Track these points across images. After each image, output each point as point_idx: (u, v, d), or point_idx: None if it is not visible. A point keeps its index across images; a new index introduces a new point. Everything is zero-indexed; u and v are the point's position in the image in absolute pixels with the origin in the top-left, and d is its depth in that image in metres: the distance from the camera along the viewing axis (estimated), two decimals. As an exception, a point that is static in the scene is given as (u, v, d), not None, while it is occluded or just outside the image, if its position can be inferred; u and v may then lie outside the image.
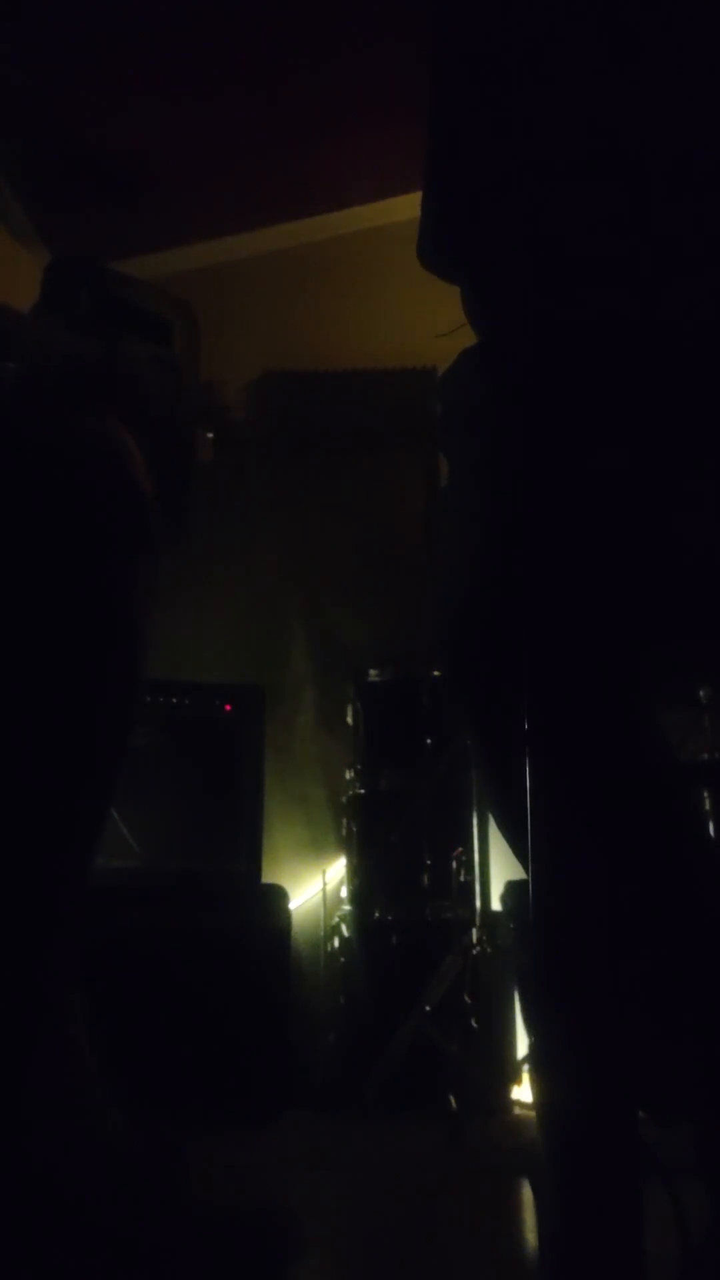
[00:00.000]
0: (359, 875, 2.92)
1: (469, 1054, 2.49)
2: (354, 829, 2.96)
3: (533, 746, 1.00)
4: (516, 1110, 2.49)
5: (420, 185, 1.17)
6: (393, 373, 3.79)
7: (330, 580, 3.57)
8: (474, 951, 2.58)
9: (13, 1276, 0.89)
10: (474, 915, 2.66)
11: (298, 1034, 2.66)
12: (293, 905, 2.70)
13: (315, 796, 3.38)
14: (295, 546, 3.60)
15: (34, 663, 0.95)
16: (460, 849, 2.83)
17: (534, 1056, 1.10)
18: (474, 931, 2.61)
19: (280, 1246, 1.15)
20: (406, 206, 3.46)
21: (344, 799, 3.09)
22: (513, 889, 2.18)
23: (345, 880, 3.01)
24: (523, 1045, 2.59)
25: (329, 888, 3.12)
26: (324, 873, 3.16)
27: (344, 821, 3.06)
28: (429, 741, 2.92)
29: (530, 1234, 1.51)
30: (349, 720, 3.11)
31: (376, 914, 2.84)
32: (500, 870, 2.74)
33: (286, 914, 2.63)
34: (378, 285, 3.70)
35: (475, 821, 2.79)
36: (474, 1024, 2.52)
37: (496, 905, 2.68)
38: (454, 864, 2.83)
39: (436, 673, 2.94)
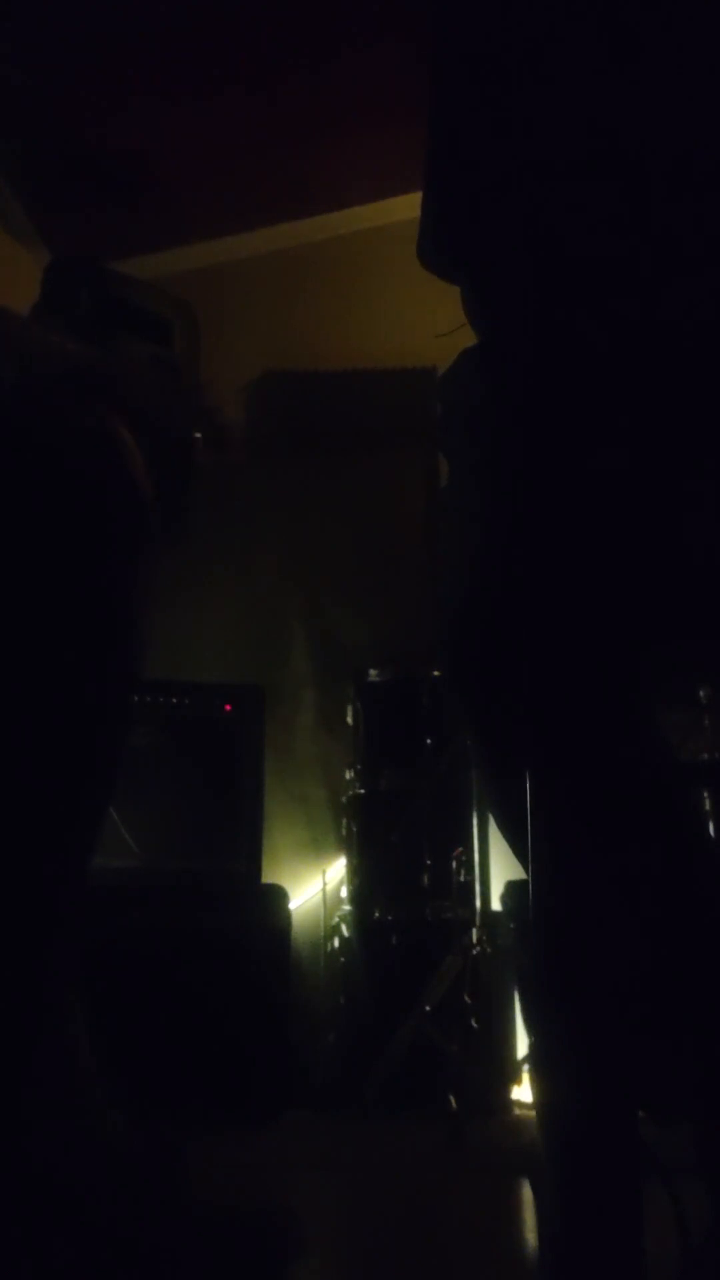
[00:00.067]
0: (359, 875, 2.92)
1: (469, 1054, 2.49)
2: (354, 829, 2.96)
3: (533, 746, 1.00)
4: (516, 1110, 2.49)
5: (420, 185, 1.17)
6: (393, 373, 3.79)
7: (330, 580, 3.57)
8: (474, 951, 2.58)
9: (13, 1276, 0.89)
10: (474, 915, 2.66)
11: (298, 1034, 2.66)
12: (293, 905, 2.70)
13: (315, 796, 3.38)
14: (295, 546, 3.60)
15: (34, 662, 0.95)
16: (460, 849, 2.83)
17: (534, 1056, 1.10)
18: (474, 931, 2.61)
19: (280, 1246, 1.15)
20: (406, 206, 3.46)
21: (344, 799, 3.09)
22: (513, 889, 2.18)
23: (345, 880, 3.01)
24: (523, 1045, 2.59)
25: (329, 888, 3.12)
26: (324, 873, 3.16)
27: (344, 821, 3.06)
28: (429, 741, 2.92)
29: (530, 1234, 1.51)
30: (349, 720, 3.11)
31: (376, 914, 2.84)
32: (500, 870, 2.74)
33: (286, 914, 2.63)
34: (378, 285, 3.70)
35: (475, 821, 2.79)
36: (474, 1024, 2.52)
37: (496, 905, 2.68)
38: (454, 864, 2.83)
39: (436, 673, 2.94)
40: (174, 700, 2.76)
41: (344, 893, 3.00)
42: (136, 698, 2.59)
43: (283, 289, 3.86)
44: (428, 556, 3.50)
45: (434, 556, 3.49)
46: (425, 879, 2.84)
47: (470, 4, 1.14)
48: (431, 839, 2.85)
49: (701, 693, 2.38)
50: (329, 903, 3.08)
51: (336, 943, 2.90)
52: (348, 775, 3.09)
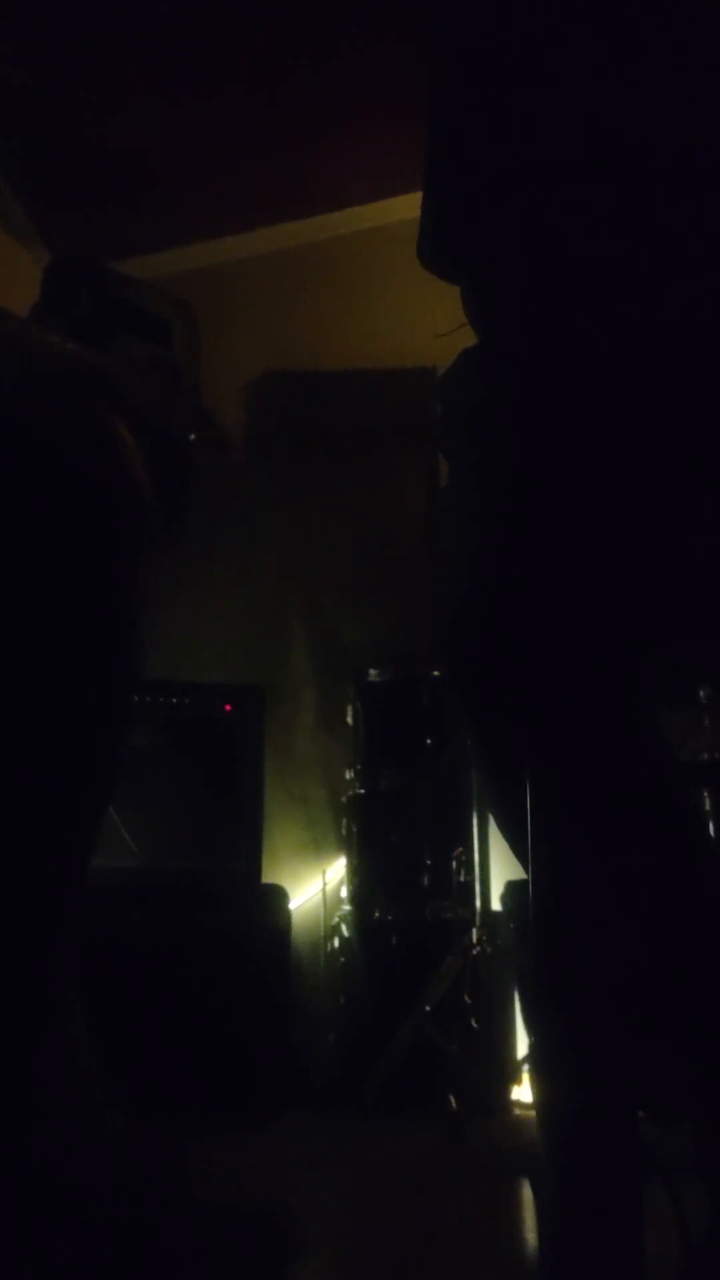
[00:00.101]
0: (359, 875, 2.92)
1: (469, 1054, 2.49)
2: (354, 829, 2.96)
3: (533, 746, 1.00)
4: (516, 1110, 2.49)
5: (420, 185, 1.17)
6: (393, 373, 3.79)
7: (330, 580, 3.57)
8: (474, 951, 2.58)
9: (13, 1276, 0.89)
10: (474, 915, 2.66)
11: (298, 1034, 2.66)
12: (293, 905, 2.70)
13: (315, 796, 3.38)
14: (295, 546, 3.60)
15: (34, 662, 0.95)
16: (460, 849, 2.83)
17: (534, 1056, 1.10)
18: (474, 931, 2.61)
19: (280, 1246, 1.15)
20: (406, 206, 3.46)
21: (344, 799, 3.09)
22: (513, 889, 2.18)
23: (345, 880, 3.01)
24: (523, 1045, 2.59)
25: (329, 888, 3.12)
26: (324, 873, 3.16)
27: (344, 821, 3.06)
28: (429, 741, 2.92)
29: (530, 1234, 1.51)
30: (349, 720, 3.11)
31: (376, 914, 2.84)
32: (500, 870, 2.74)
33: (286, 914, 2.63)
34: (378, 285, 3.70)
35: (475, 821, 2.79)
36: (474, 1024, 2.52)
37: (496, 905, 2.68)
38: (454, 864, 2.83)
39: (436, 673, 2.94)
40: (174, 700, 2.76)
41: (344, 893, 3.00)
42: (136, 698, 2.60)
43: (283, 289, 3.86)
44: (428, 556, 3.50)
45: (434, 556, 3.49)
46: (425, 879, 2.84)
47: (470, 4, 1.14)
48: (431, 839, 2.85)
49: (701, 693, 2.38)
50: (329, 903, 3.08)
51: (336, 943, 2.90)
52: (348, 775, 3.09)
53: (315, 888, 3.14)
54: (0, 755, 0.93)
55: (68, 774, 0.97)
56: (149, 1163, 1.03)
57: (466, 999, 2.54)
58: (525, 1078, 2.46)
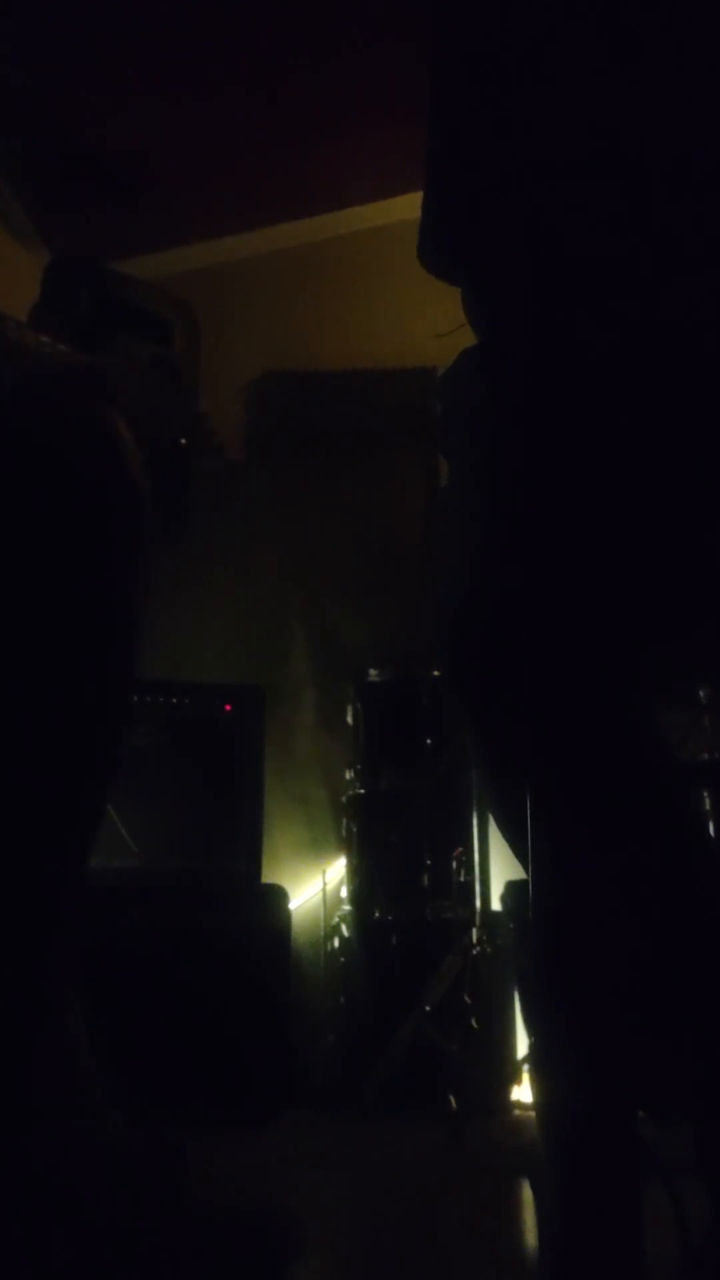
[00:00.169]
0: (359, 875, 2.92)
1: (469, 1054, 2.49)
2: (354, 829, 2.96)
3: (533, 746, 1.00)
4: (516, 1110, 2.48)
5: (420, 185, 1.17)
6: (393, 373, 3.79)
7: (330, 580, 3.57)
8: (474, 951, 2.58)
9: (13, 1276, 0.89)
10: (474, 915, 2.66)
11: (298, 1034, 2.66)
12: (293, 905, 2.70)
13: (315, 796, 3.38)
14: (295, 546, 3.60)
15: (33, 662, 0.95)
16: (460, 849, 2.83)
17: (534, 1056, 1.10)
18: (474, 931, 2.61)
19: (280, 1246, 1.15)
20: (406, 206, 3.45)
21: (344, 799, 3.09)
22: (513, 889, 2.18)
23: (345, 880, 3.00)
24: (523, 1045, 2.59)
25: (329, 888, 3.12)
26: (324, 873, 3.16)
27: (344, 821, 3.06)
28: (429, 741, 2.92)
29: (530, 1234, 1.51)
30: (349, 720, 3.11)
31: (376, 914, 2.84)
32: (500, 870, 2.74)
33: (286, 914, 2.63)
34: (378, 285, 3.70)
35: (475, 821, 2.79)
36: (474, 1024, 2.52)
37: (496, 905, 2.68)
38: (454, 864, 2.83)
39: (436, 673, 2.94)
40: (174, 700, 2.76)
41: (344, 893, 3.00)
42: (136, 698, 2.60)
43: (283, 289, 3.86)
44: (428, 556, 3.50)
45: (434, 556, 3.49)
46: (425, 879, 2.84)
47: (470, 4, 1.14)
48: (431, 839, 2.85)
49: (701, 693, 2.38)
50: (329, 903, 3.08)
51: (336, 943, 2.90)
52: (348, 775, 3.09)
53: (315, 888, 3.14)
54: (0, 755, 0.93)
55: (67, 774, 0.97)
56: (149, 1163, 1.03)
57: (466, 999, 2.54)
58: (525, 1078, 2.46)
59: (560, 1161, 0.94)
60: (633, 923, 1.00)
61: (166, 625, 2.91)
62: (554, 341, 1.03)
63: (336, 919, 2.95)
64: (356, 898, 2.90)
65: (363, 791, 2.98)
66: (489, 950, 2.60)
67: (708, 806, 2.28)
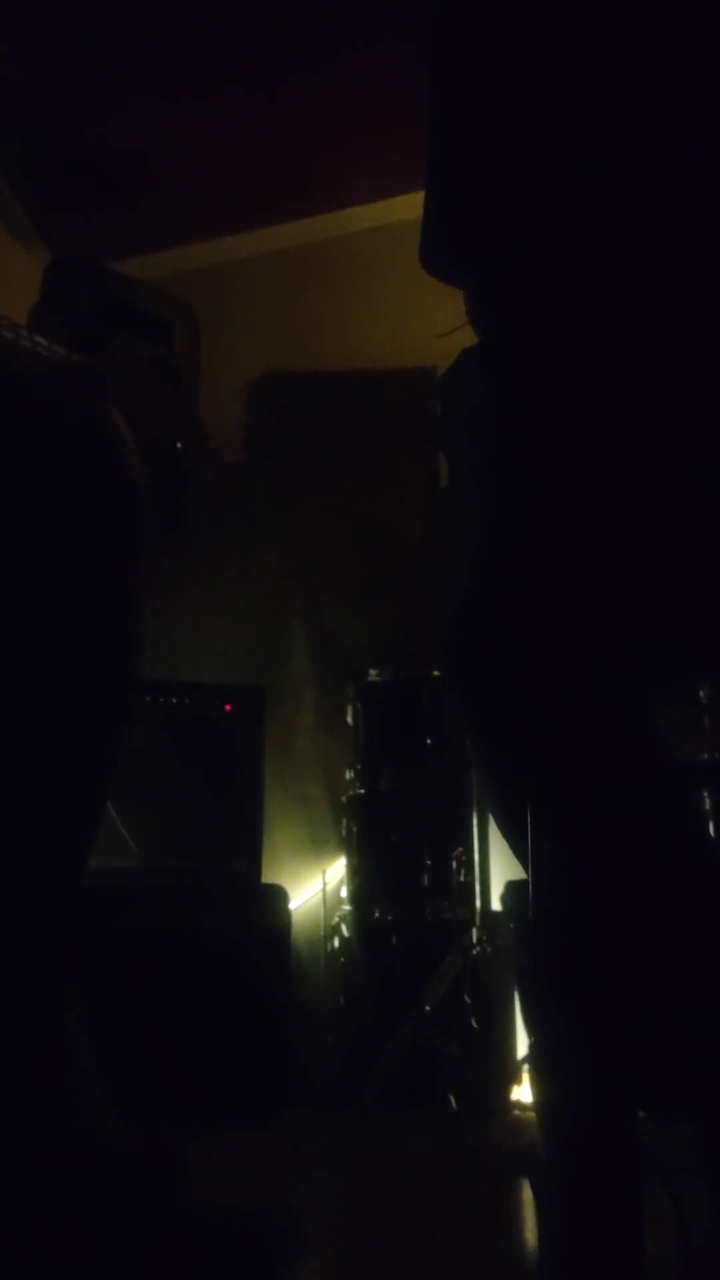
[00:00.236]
0: (359, 875, 2.92)
1: (469, 1054, 2.49)
2: (354, 829, 2.96)
3: (533, 746, 1.00)
4: (516, 1110, 2.49)
5: (420, 185, 1.17)
6: (393, 373, 3.79)
7: (330, 580, 3.57)
8: (474, 951, 2.58)
9: (13, 1276, 0.89)
10: (474, 915, 2.66)
11: (298, 1034, 2.66)
12: (293, 905, 2.70)
13: (315, 796, 3.38)
14: (295, 546, 3.60)
15: (33, 662, 0.95)
16: (460, 849, 2.83)
17: (534, 1056, 1.10)
18: (474, 931, 2.61)
19: (280, 1246, 1.15)
20: (407, 206, 3.46)
21: (344, 799, 3.09)
22: (513, 889, 2.18)
23: (345, 880, 3.01)
24: (523, 1045, 2.59)
25: (329, 888, 3.12)
26: (324, 873, 3.16)
27: (344, 821, 3.06)
28: (429, 741, 2.92)
29: (530, 1234, 1.51)
30: (349, 720, 3.11)
31: (376, 914, 2.84)
32: (500, 870, 2.74)
33: (286, 914, 2.63)
34: (378, 285, 3.70)
35: (475, 821, 2.79)
36: (474, 1024, 2.52)
37: (496, 905, 2.68)
38: (454, 864, 2.83)
39: (436, 673, 2.94)
40: (174, 700, 2.76)
41: (344, 893, 3.00)
42: (136, 698, 2.60)
43: (283, 289, 3.86)
44: (428, 556, 3.50)
45: (434, 556, 3.49)
46: (425, 879, 2.84)
47: (470, 4, 1.14)
48: (431, 839, 2.85)
49: (701, 693, 2.38)
50: (329, 903, 3.08)
51: (336, 943, 2.90)
52: (348, 775, 3.09)
53: (315, 888, 3.14)
54: (0, 755, 0.93)
55: (67, 774, 0.97)
56: (149, 1163, 1.03)
57: (466, 999, 2.54)
58: (525, 1078, 2.46)
59: (560, 1161, 0.94)
60: (633, 923, 1.00)
61: (166, 625, 2.91)
62: (554, 341, 1.03)
63: (336, 919, 2.95)
64: (356, 898, 2.90)
65: (363, 791, 2.98)
66: (489, 950, 2.60)
67: (708, 806, 2.28)
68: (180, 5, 2.92)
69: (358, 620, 3.46)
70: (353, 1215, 1.71)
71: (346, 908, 2.93)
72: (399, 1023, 2.58)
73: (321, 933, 3.01)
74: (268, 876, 2.76)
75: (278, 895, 2.63)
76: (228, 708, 2.79)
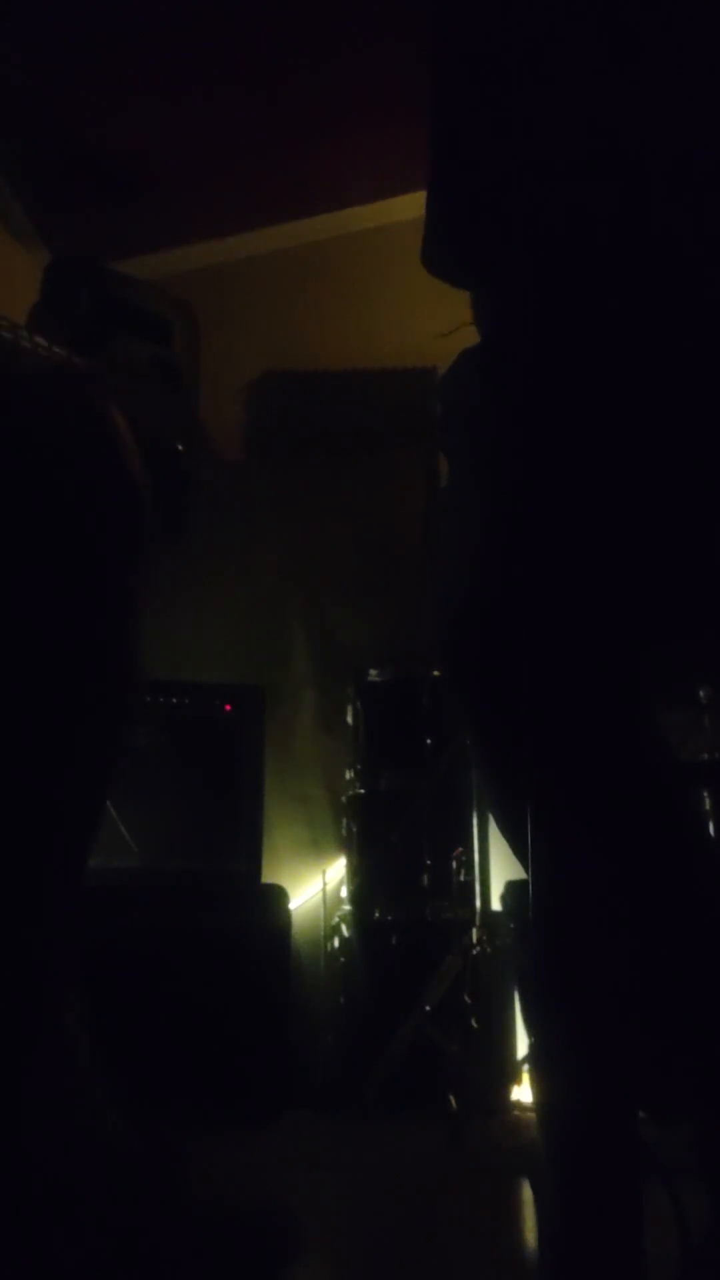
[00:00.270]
0: (359, 875, 2.92)
1: (469, 1054, 2.49)
2: (354, 829, 2.96)
3: (533, 746, 1.00)
4: (516, 1110, 2.49)
5: (420, 185, 1.17)
6: (393, 373, 3.79)
7: (330, 580, 3.57)
8: (474, 951, 2.58)
9: (13, 1276, 0.89)
10: (474, 915, 2.66)
11: (298, 1034, 2.66)
12: (293, 905, 2.70)
13: (315, 796, 3.38)
14: (295, 546, 3.60)
15: (33, 662, 0.95)
16: (460, 849, 2.83)
17: (534, 1056, 1.10)
18: (474, 931, 2.61)
19: (280, 1246, 1.15)
20: (407, 206, 3.47)
21: (344, 799, 3.09)
22: (513, 889, 2.18)
23: (345, 880, 3.01)
24: (523, 1045, 2.59)
25: (329, 888, 3.12)
26: (324, 873, 3.16)
27: (344, 821, 3.06)
28: (429, 741, 2.92)
29: (530, 1234, 1.51)
30: (349, 720, 3.11)
31: (376, 914, 2.84)
32: (500, 870, 2.74)
33: (286, 914, 2.63)
34: (378, 285, 3.70)
35: (475, 821, 2.79)
36: (474, 1024, 2.52)
37: (496, 905, 2.68)
38: (454, 864, 2.83)
39: (436, 673, 2.94)
40: (174, 700, 2.76)
41: (344, 893, 3.00)
42: (137, 698, 2.60)
43: (283, 289, 3.86)
44: (428, 556, 3.50)
45: (434, 556, 3.49)
46: (425, 879, 2.84)
47: (470, 4, 1.14)
48: (431, 839, 2.85)
49: (701, 693, 2.38)
50: (329, 903, 3.08)
51: (336, 943, 2.90)
52: (348, 775, 3.09)
53: (315, 888, 3.14)
54: (0, 755, 0.93)
55: (67, 774, 0.97)
56: (149, 1163, 1.03)
57: (466, 999, 2.54)
58: (525, 1078, 2.46)
59: (560, 1161, 0.94)
60: (633, 923, 1.00)
61: (166, 625, 2.91)
62: (554, 342, 1.03)
63: (336, 919, 2.95)
64: (356, 898, 2.90)
65: (363, 791, 2.98)
66: (489, 950, 2.60)
67: (708, 806, 2.28)
68: (180, 5, 2.92)
69: (358, 620, 3.46)
70: (353, 1215, 1.71)
71: (346, 908, 2.93)
72: (399, 1023, 2.58)
73: (321, 933, 3.01)
74: (268, 876, 2.76)
75: (278, 895, 2.63)
76: (228, 708, 2.79)
